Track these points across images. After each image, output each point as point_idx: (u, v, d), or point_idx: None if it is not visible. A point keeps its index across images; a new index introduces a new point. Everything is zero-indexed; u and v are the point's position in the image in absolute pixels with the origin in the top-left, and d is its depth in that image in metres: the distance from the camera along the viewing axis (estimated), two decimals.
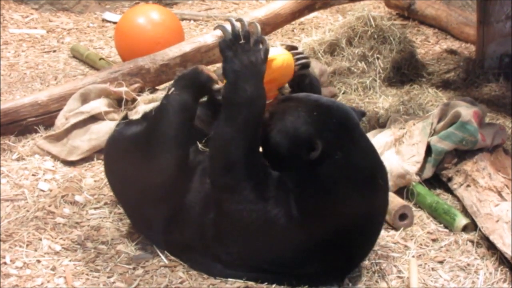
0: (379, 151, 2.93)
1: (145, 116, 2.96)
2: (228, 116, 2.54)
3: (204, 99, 2.91)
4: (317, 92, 2.86)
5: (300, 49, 2.81)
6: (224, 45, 2.58)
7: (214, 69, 4.63)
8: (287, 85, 2.88)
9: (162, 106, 2.73)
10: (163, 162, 2.67)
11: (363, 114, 2.76)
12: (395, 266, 2.85)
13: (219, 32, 4.27)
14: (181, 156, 2.69)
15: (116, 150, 2.91)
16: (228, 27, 2.60)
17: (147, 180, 2.71)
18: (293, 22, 5.22)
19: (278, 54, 2.72)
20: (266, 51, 2.59)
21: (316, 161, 2.49)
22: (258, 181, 2.55)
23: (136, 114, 3.11)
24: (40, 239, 2.95)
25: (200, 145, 2.76)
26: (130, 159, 2.78)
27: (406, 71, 4.68)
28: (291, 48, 2.81)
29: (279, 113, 2.62)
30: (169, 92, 2.72)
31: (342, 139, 2.55)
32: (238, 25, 2.59)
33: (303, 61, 2.79)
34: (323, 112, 2.58)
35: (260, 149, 2.66)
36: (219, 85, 2.73)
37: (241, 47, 2.56)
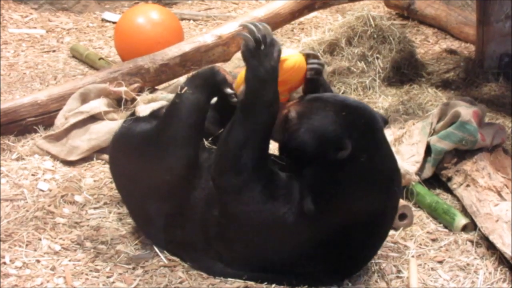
0: None
1: (153, 114, 2.95)
2: (244, 119, 2.53)
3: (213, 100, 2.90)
4: None
5: (319, 60, 2.77)
6: (248, 54, 2.56)
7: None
8: (299, 89, 2.86)
9: (174, 104, 2.71)
10: (174, 161, 2.66)
11: (385, 121, 2.72)
12: (394, 266, 2.85)
13: (218, 32, 4.27)
14: (191, 157, 2.69)
15: (124, 146, 2.90)
16: (248, 34, 2.58)
17: (156, 178, 2.70)
18: (293, 22, 5.22)
19: (289, 55, 2.68)
20: (279, 52, 2.58)
21: (342, 162, 2.47)
22: (267, 182, 2.54)
23: (136, 114, 3.10)
24: (40, 239, 2.95)
25: (206, 142, 2.76)
26: (139, 156, 2.77)
27: (405, 70, 4.68)
28: (313, 56, 2.76)
29: (306, 112, 2.60)
30: (182, 91, 2.70)
31: (369, 141, 2.54)
32: (255, 29, 2.57)
33: (316, 66, 2.74)
34: (351, 113, 2.56)
35: (276, 149, 2.66)
36: (232, 91, 2.72)
37: (263, 54, 2.55)
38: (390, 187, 2.61)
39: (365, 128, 2.55)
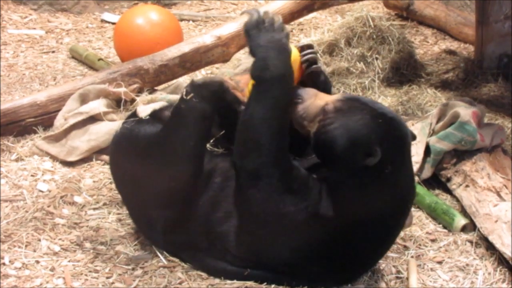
0: None
1: (155, 115, 2.93)
2: (258, 94, 2.52)
3: None
4: (329, 89, 2.83)
5: (312, 49, 2.75)
6: (249, 26, 2.60)
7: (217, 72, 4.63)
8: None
9: (180, 110, 2.68)
10: (180, 169, 2.64)
11: (414, 137, 2.69)
12: (394, 266, 2.85)
13: (217, 33, 4.27)
14: (197, 165, 2.67)
15: (126, 148, 2.88)
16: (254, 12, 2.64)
17: (161, 184, 2.68)
18: (292, 23, 5.22)
19: None
20: (288, 35, 2.61)
21: (367, 168, 2.45)
22: (286, 171, 2.53)
23: (142, 112, 3.09)
24: (39, 240, 2.94)
25: (208, 145, 2.75)
26: (144, 160, 2.74)
27: (405, 71, 4.68)
28: (307, 47, 2.74)
29: (344, 109, 2.55)
30: (188, 97, 2.65)
31: (397, 154, 2.52)
32: (260, 10, 2.63)
33: (309, 56, 2.71)
34: (387, 123, 2.53)
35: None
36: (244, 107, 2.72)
37: (265, 28, 2.58)
38: (406, 203, 2.62)
39: (397, 141, 2.52)
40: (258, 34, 2.58)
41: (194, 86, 2.69)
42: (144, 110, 3.02)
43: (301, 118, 2.61)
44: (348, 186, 2.50)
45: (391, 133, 2.52)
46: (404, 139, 2.55)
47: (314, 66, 2.73)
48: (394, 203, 2.56)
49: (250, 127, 2.53)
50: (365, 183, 2.48)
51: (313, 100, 2.62)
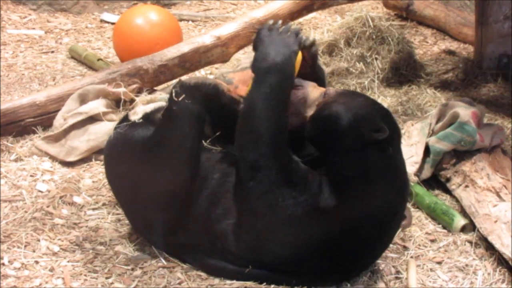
0: None
1: (148, 118, 2.93)
2: (256, 85, 2.55)
3: None
4: (323, 79, 2.88)
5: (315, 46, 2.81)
6: (262, 28, 2.67)
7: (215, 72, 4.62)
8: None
9: (172, 112, 2.66)
10: (177, 172, 2.64)
11: None
12: (393, 266, 2.85)
13: (217, 33, 4.27)
14: (194, 166, 2.67)
15: (120, 152, 2.87)
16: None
17: (159, 187, 2.67)
18: (292, 23, 5.22)
19: None
20: (300, 39, 2.66)
21: (371, 147, 2.48)
22: (285, 163, 2.53)
23: (134, 114, 3.10)
24: (38, 240, 2.94)
25: (205, 144, 2.75)
26: (140, 165, 2.73)
27: (404, 71, 4.68)
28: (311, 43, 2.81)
29: (345, 92, 2.64)
30: (179, 98, 2.63)
31: (394, 138, 2.58)
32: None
33: (309, 40, 2.76)
34: (384, 109, 2.65)
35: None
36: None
37: (277, 30, 2.65)
38: (403, 195, 2.64)
39: (393, 125, 2.58)
40: (263, 32, 2.63)
41: (185, 87, 2.67)
42: (135, 113, 3.01)
43: (299, 103, 2.64)
44: (348, 171, 2.50)
45: (389, 116, 2.61)
46: (397, 126, 2.62)
47: (314, 48, 2.79)
48: (395, 189, 2.57)
49: (249, 118, 2.54)
50: (366, 165, 2.49)
51: (313, 88, 2.68)
